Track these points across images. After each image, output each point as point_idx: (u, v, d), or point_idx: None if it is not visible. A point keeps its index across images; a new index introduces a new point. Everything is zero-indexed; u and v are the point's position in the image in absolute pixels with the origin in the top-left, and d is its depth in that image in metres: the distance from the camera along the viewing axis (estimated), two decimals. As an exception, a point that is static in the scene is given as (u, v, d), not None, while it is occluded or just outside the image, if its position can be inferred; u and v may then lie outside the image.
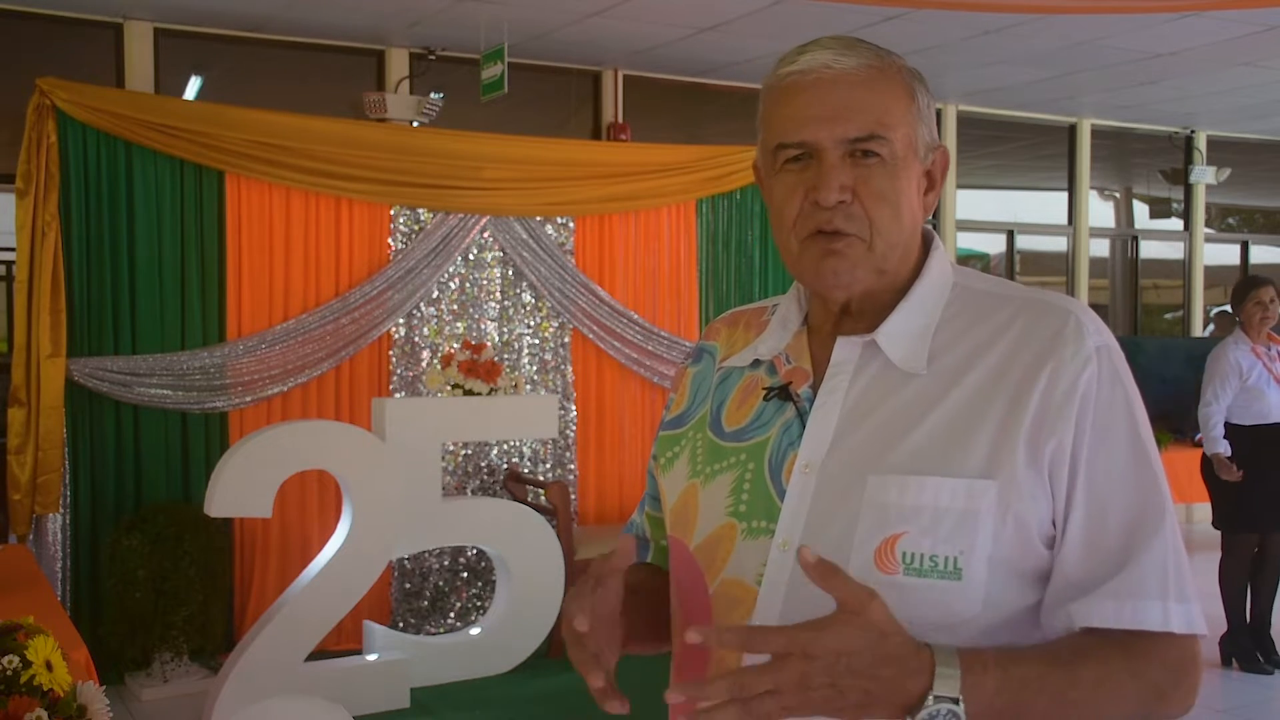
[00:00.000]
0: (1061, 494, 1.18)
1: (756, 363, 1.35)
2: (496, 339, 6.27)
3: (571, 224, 6.45)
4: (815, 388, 1.27)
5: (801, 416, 1.26)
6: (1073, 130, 9.00)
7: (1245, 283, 5.67)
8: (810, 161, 1.22)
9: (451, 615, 6.08)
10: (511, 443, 6.28)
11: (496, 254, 6.29)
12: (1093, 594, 1.16)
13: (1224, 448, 5.43)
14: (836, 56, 1.21)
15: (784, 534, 1.22)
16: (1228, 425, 5.47)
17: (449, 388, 5.38)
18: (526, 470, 6.34)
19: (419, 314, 6.10)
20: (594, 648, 1.19)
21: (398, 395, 5.97)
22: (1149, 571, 1.16)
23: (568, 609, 1.19)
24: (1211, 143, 9.53)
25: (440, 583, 6.08)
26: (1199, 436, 5.69)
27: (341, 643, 5.55)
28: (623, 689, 1.21)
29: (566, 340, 6.46)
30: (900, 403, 1.22)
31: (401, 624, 5.93)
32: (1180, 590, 1.17)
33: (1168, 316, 10.04)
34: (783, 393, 1.29)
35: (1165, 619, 1.16)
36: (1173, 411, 8.25)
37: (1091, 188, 9.19)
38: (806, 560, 1.04)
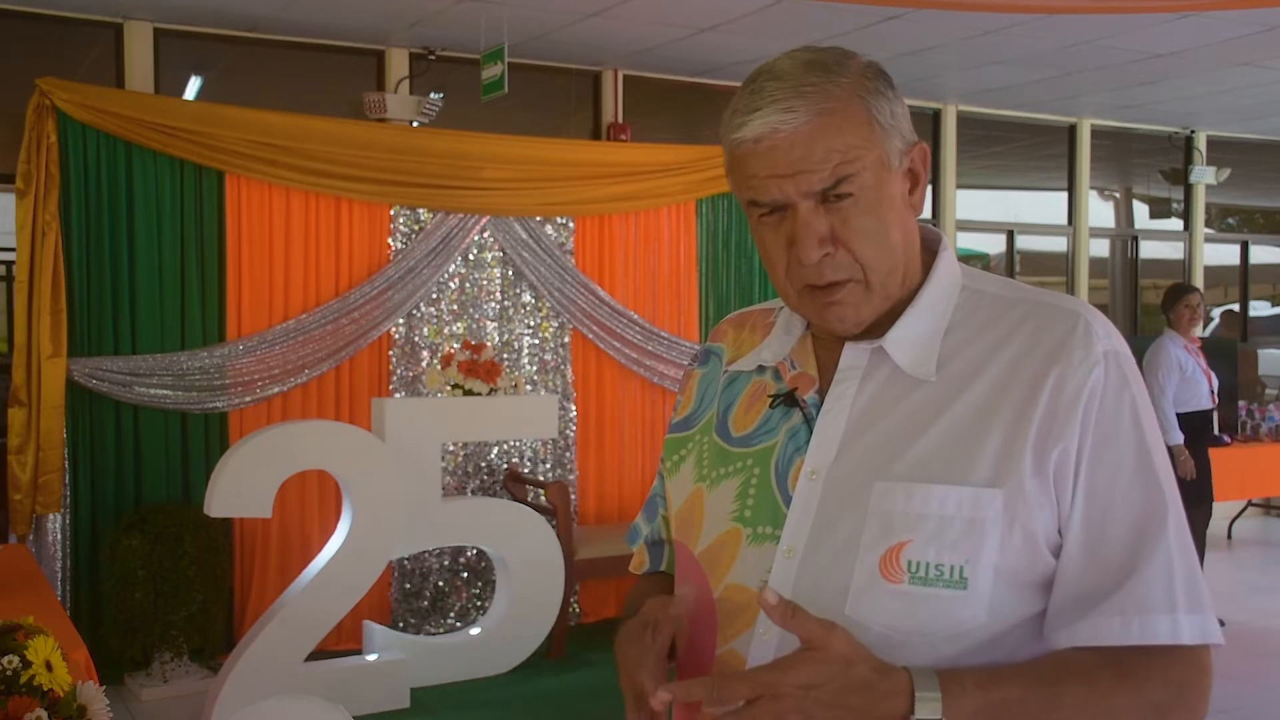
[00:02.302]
0: (1066, 502, 1.16)
1: (761, 368, 1.34)
2: (496, 339, 6.27)
3: (571, 224, 6.45)
4: (821, 393, 1.26)
5: (808, 422, 1.25)
6: (1073, 130, 9.00)
7: (1177, 289, 6.47)
8: (785, 214, 1.20)
9: (451, 615, 6.08)
10: (511, 443, 6.28)
11: (496, 254, 6.29)
12: (1095, 611, 1.14)
13: (1180, 437, 6.12)
14: (784, 115, 1.16)
15: (789, 540, 1.21)
16: None
17: (449, 388, 5.38)
18: (526, 470, 6.34)
19: (419, 314, 6.10)
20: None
21: (398, 395, 5.98)
22: (1154, 582, 1.14)
23: (634, 673, 1.18)
24: (1211, 143, 9.53)
25: (440, 583, 6.09)
26: None
27: (341, 643, 5.56)
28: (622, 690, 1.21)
29: (566, 340, 6.46)
30: (908, 409, 1.21)
31: (401, 624, 5.93)
32: (1192, 600, 1.14)
33: (1168, 316, 10.03)
34: (788, 399, 1.28)
35: (1175, 631, 1.13)
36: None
37: (1091, 188, 9.19)
38: (768, 603, 1.05)
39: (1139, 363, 6.53)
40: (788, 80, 1.19)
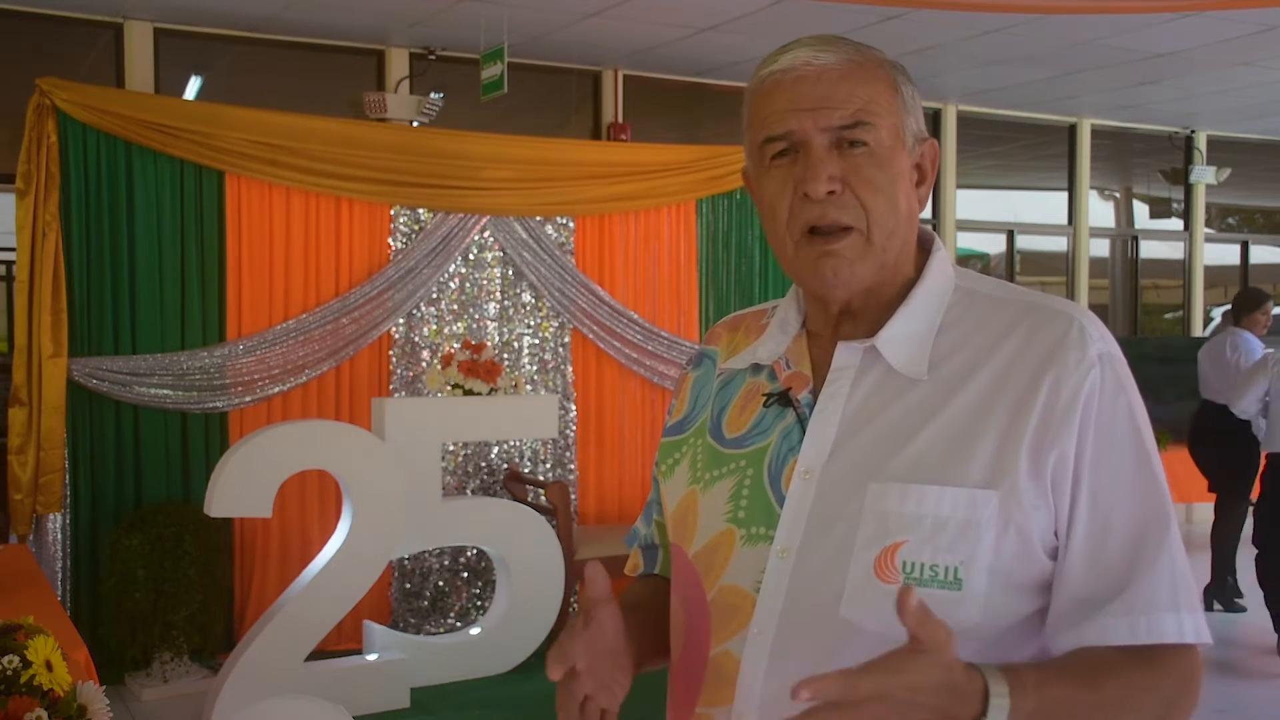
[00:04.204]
0: (1065, 505, 1.16)
1: (756, 367, 1.33)
2: (496, 339, 6.27)
3: (571, 224, 6.45)
4: (815, 393, 1.26)
5: (801, 422, 1.25)
6: (1073, 130, 9.00)
7: (1255, 295, 6.76)
8: (798, 155, 1.21)
9: (451, 615, 6.08)
10: (511, 443, 6.28)
11: (496, 254, 6.29)
12: (1102, 612, 1.15)
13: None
14: (816, 53, 1.21)
15: (783, 541, 1.21)
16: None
17: (449, 388, 5.38)
18: (526, 470, 6.34)
19: (419, 314, 6.10)
20: (590, 688, 1.18)
21: (398, 395, 5.97)
22: (1160, 583, 1.15)
23: (549, 654, 1.18)
24: (1211, 143, 9.53)
25: (440, 583, 6.09)
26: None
27: (341, 643, 5.55)
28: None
29: (566, 340, 6.46)
30: (901, 409, 1.20)
31: (401, 624, 5.93)
32: (1190, 600, 1.16)
33: (1168, 316, 10.04)
34: (782, 399, 1.28)
35: (1180, 630, 1.15)
36: (1173, 412, 8.24)
37: (1091, 188, 9.19)
38: (908, 603, 1.01)
39: (1196, 351, 6.78)
40: (821, 37, 1.25)
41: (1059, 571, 1.17)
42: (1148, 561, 1.15)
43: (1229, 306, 9.94)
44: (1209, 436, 6.61)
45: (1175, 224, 9.80)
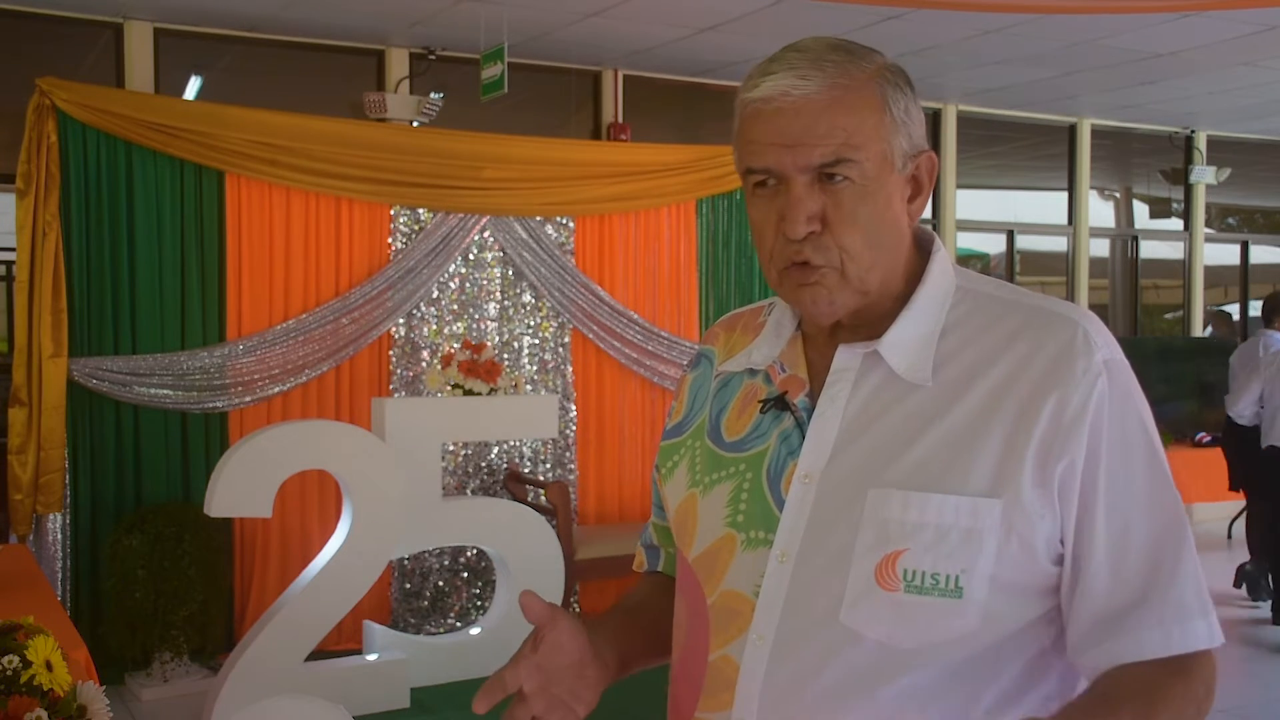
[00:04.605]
0: (1072, 514, 1.15)
1: (752, 371, 1.32)
2: (496, 339, 6.27)
3: (571, 224, 6.45)
4: (812, 396, 1.24)
5: (800, 426, 1.23)
6: (1073, 130, 9.00)
7: None
8: (779, 187, 1.18)
9: (451, 615, 6.08)
10: (511, 443, 6.27)
11: (496, 254, 6.29)
12: (1132, 625, 1.14)
13: None
14: (797, 81, 1.16)
15: (782, 545, 1.20)
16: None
17: (449, 388, 5.38)
18: (526, 470, 6.34)
19: (419, 314, 6.10)
20: (540, 708, 1.22)
21: (398, 395, 5.97)
22: (1186, 590, 1.14)
23: (482, 687, 1.21)
24: (1211, 143, 9.53)
25: (440, 583, 6.08)
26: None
27: (341, 643, 5.55)
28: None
29: (566, 340, 6.46)
30: (902, 414, 1.19)
31: (401, 624, 5.93)
32: (1209, 603, 1.16)
33: (1168, 316, 10.04)
34: (779, 403, 1.26)
35: (1210, 635, 1.15)
36: (1173, 412, 8.26)
37: (1091, 188, 9.19)
38: None
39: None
40: (809, 53, 1.19)
41: (1078, 588, 1.16)
42: (1170, 570, 1.15)
43: (1222, 309, 9.98)
44: (1240, 437, 6.66)
45: (1175, 224, 9.79)
